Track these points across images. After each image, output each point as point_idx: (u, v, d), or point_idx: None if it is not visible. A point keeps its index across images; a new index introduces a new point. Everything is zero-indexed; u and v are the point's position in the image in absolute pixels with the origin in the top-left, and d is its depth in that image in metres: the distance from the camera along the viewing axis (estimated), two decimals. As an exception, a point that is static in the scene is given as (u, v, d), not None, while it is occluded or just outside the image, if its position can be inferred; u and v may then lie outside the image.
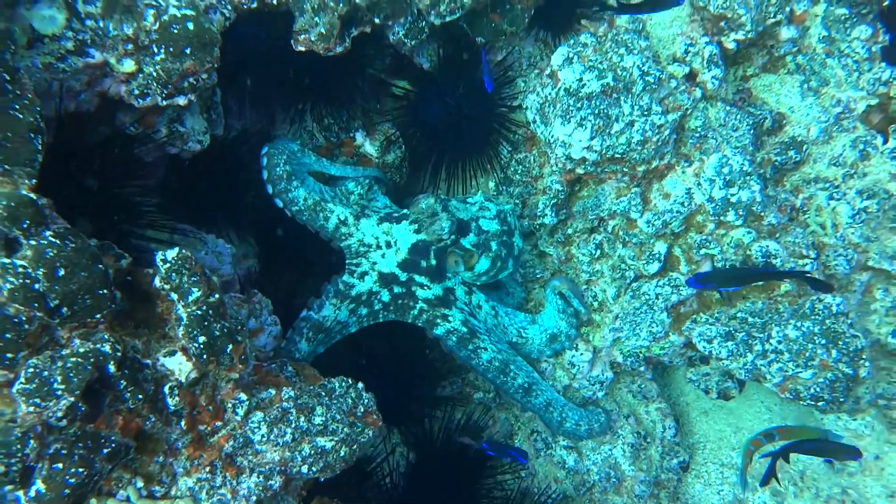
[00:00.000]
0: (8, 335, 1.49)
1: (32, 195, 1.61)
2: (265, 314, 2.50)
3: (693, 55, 2.93)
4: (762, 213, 2.84)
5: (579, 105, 2.72)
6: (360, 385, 2.17)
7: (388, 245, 2.75)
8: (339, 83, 2.95)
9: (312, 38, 2.36)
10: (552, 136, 2.84)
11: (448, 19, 2.52)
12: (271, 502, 1.95)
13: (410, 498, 2.82)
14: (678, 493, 3.56)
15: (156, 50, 2.09)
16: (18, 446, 1.43)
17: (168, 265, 1.80)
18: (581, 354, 3.24)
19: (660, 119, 2.75)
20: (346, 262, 2.80)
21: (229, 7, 2.32)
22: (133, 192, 2.21)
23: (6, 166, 1.58)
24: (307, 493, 2.13)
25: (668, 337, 3.14)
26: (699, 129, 2.92)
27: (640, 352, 3.23)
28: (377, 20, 2.43)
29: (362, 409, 2.10)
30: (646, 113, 2.72)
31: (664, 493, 3.48)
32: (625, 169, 2.88)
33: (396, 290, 2.76)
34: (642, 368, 3.30)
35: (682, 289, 3.04)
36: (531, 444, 3.38)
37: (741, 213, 2.82)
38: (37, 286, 1.55)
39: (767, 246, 2.85)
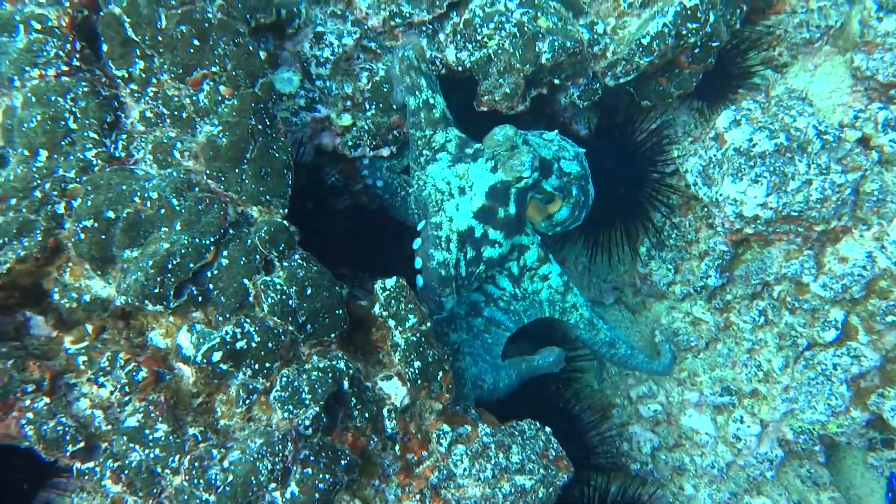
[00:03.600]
0: (269, 344, 1.62)
1: (286, 223, 1.78)
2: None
3: (864, 120, 2.90)
4: (961, 278, 2.67)
5: (752, 163, 2.72)
6: (548, 429, 2.14)
7: (462, 191, 2.20)
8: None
9: (497, 98, 2.53)
10: (720, 195, 2.83)
11: (622, 81, 2.64)
12: (469, 542, 1.91)
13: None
14: None
15: (367, 106, 2.33)
16: (280, 447, 1.50)
17: (387, 292, 1.90)
18: (748, 427, 3.05)
19: (840, 178, 2.70)
20: (428, 221, 2.22)
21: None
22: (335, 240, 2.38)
23: (267, 196, 1.77)
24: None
25: (848, 412, 2.91)
26: (876, 193, 2.83)
27: (815, 428, 3.00)
28: (557, 81, 2.58)
29: (553, 453, 2.06)
30: (824, 171, 2.68)
31: None
32: (799, 229, 2.81)
33: (469, 253, 2.20)
34: (817, 448, 3.05)
35: (864, 359, 2.85)
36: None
37: (937, 276, 2.66)
38: (290, 302, 1.68)
39: (969, 311, 2.65)
